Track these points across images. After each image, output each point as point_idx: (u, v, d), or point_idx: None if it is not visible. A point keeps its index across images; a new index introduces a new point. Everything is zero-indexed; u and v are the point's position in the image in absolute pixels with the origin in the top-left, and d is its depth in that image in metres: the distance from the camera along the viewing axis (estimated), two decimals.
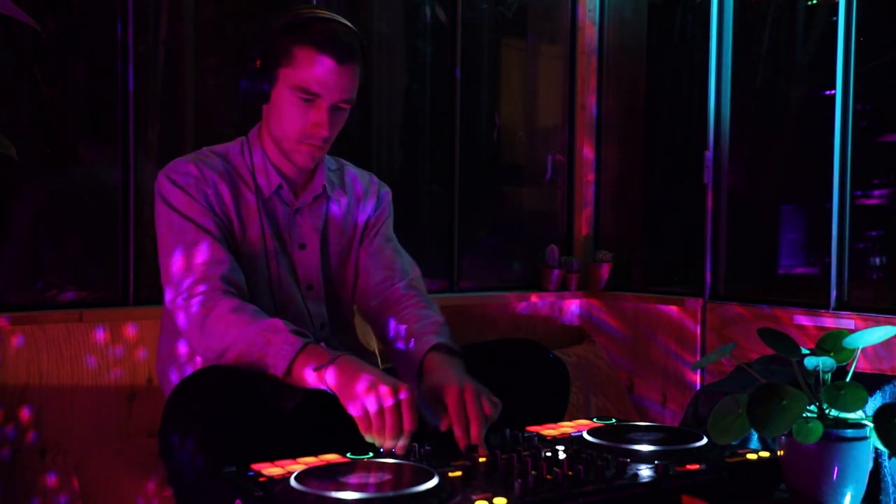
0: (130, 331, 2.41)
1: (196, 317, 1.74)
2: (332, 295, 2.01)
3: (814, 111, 3.09)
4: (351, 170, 2.10)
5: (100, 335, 2.37)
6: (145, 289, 2.54)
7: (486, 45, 3.43)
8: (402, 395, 1.58)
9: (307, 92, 1.82)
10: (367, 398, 1.58)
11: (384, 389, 1.58)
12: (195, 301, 1.75)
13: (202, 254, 1.79)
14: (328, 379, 1.63)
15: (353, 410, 1.58)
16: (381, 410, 1.57)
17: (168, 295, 1.80)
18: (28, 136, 2.48)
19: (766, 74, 3.25)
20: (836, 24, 2.77)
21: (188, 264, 1.78)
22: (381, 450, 1.59)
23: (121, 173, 2.52)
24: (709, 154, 3.11)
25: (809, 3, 3.12)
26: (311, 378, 1.65)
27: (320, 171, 1.99)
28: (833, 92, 2.78)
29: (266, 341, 1.67)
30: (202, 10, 2.75)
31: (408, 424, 1.58)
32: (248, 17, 2.87)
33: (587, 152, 3.52)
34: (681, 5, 3.46)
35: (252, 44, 1.87)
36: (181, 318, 1.77)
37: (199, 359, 1.90)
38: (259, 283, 1.89)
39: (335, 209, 2.02)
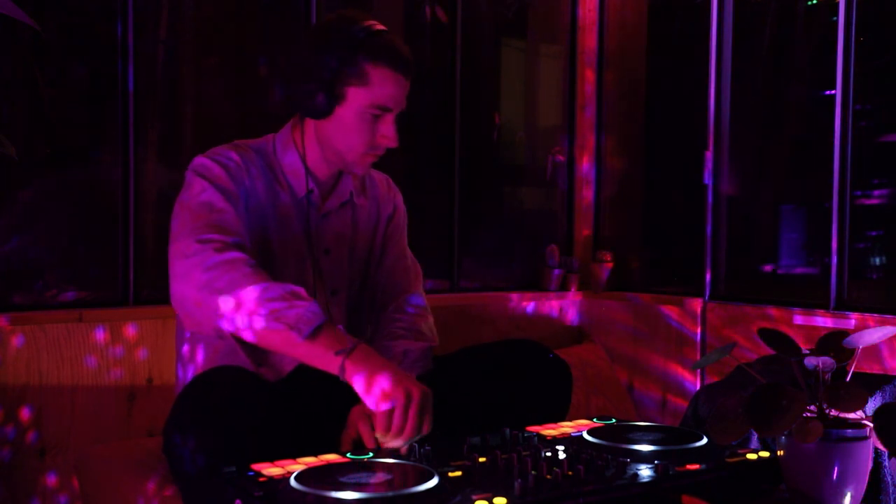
0: (130, 331, 2.41)
1: (210, 261, 1.66)
2: (354, 300, 2.01)
3: (814, 111, 3.09)
4: (377, 177, 2.11)
5: (100, 335, 2.37)
6: (145, 289, 2.54)
7: (486, 45, 3.43)
8: (427, 396, 1.57)
9: (383, 108, 1.83)
10: (395, 395, 1.56)
11: (411, 388, 1.56)
12: (210, 246, 1.67)
13: (224, 221, 1.74)
14: (349, 367, 1.59)
15: (377, 405, 1.56)
16: (405, 410, 1.56)
17: (178, 244, 1.71)
18: (28, 136, 2.47)
19: (766, 74, 3.25)
20: (836, 24, 2.77)
21: (209, 221, 1.72)
22: (383, 448, 1.58)
23: (121, 173, 2.52)
24: (709, 154, 3.11)
25: (809, 3, 3.12)
26: (329, 357, 1.60)
27: (346, 177, 1.99)
28: (833, 92, 2.78)
29: (289, 304, 1.62)
30: (202, 10, 2.75)
31: (427, 427, 1.57)
32: (248, 17, 2.87)
33: (587, 152, 3.52)
34: (681, 5, 3.46)
35: (297, 57, 1.83)
36: (190, 262, 1.67)
37: (199, 357, 1.90)
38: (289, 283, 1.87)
39: (360, 215, 2.03)
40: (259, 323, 1.62)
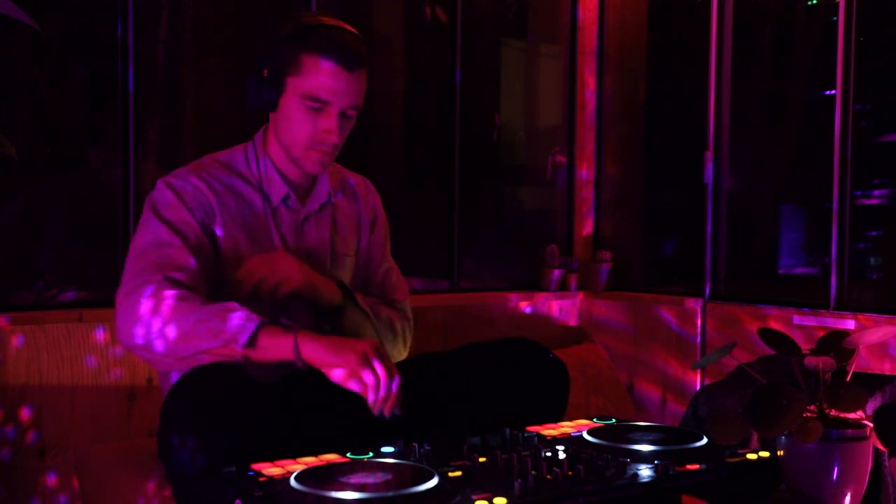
0: None
1: (136, 304, 1.69)
2: None
3: (814, 111, 3.09)
4: (348, 174, 2.10)
5: (100, 335, 2.37)
6: None
7: (486, 45, 3.43)
8: (378, 346, 1.64)
9: (316, 100, 1.81)
10: (357, 348, 1.61)
11: (367, 344, 1.63)
12: (142, 290, 1.70)
13: (166, 256, 1.76)
14: (303, 339, 1.63)
15: (350, 363, 1.60)
16: (369, 354, 1.61)
17: (120, 287, 1.76)
18: (28, 136, 2.48)
19: (766, 74, 3.25)
20: (836, 24, 2.77)
21: (147, 262, 1.75)
22: (375, 405, 1.61)
23: (121, 173, 2.52)
24: (709, 154, 3.11)
25: (809, 3, 3.12)
26: (280, 345, 1.64)
27: (323, 178, 1.98)
28: (833, 92, 2.78)
29: (221, 318, 1.65)
30: (202, 10, 2.75)
31: (393, 370, 1.62)
32: (248, 17, 2.87)
33: (587, 152, 3.52)
34: (681, 5, 3.46)
35: (258, 52, 1.86)
36: (120, 308, 1.72)
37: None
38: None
39: (340, 217, 2.02)
40: (198, 346, 1.66)
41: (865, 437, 1.48)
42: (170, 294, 1.69)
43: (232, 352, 1.65)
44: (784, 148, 3.24)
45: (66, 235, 2.53)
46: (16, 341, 2.26)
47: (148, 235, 1.79)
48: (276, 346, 1.65)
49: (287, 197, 1.92)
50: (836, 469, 1.46)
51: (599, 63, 3.52)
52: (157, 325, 1.68)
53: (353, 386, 1.60)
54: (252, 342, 1.64)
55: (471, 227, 3.29)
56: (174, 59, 2.72)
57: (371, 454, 1.56)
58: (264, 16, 2.89)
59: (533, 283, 3.40)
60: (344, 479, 1.39)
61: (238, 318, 1.65)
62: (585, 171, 3.51)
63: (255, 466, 1.47)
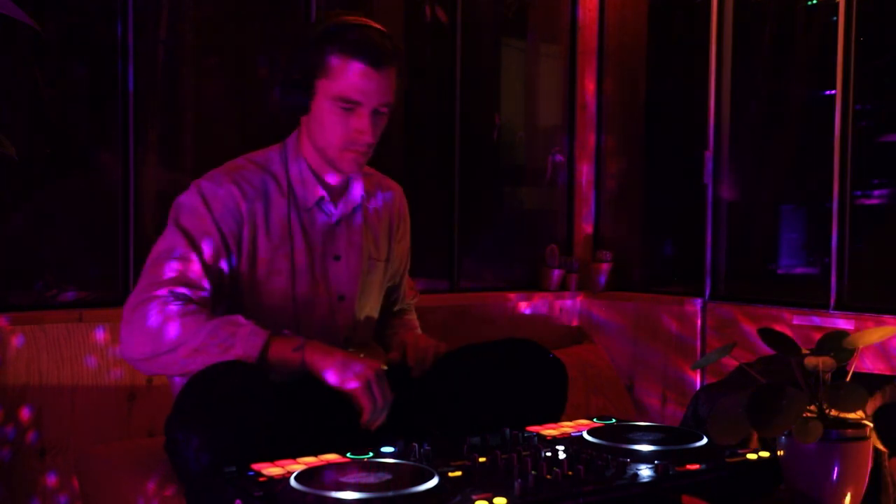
0: None
1: (143, 319, 1.71)
2: (362, 305, 2.02)
3: (814, 111, 3.09)
4: (383, 179, 2.11)
5: (100, 335, 2.37)
6: None
7: (486, 45, 3.43)
8: (378, 371, 1.69)
9: (348, 101, 1.81)
10: (359, 372, 1.67)
11: (370, 370, 1.68)
12: (149, 306, 1.71)
13: (177, 270, 1.77)
14: (310, 357, 1.69)
15: (352, 384, 1.66)
16: (371, 382, 1.67)
17: (131, 297, 1.76)
18: (28, 136, 2.47)
19: (766, 74, 3.25)
20: (836, 24, 2.77)
21: (157, 275, 1.76)
22: (368, 423, 1.67)
23: (121, 173, 2.52)
24: (709, 154, 3.11)
25: (809, 3, 3.12)
26: (287, 362, 1.69)
27: (357, 181, 1.98)
28: (833, 92, 2.78)
29: (230, 333, 1.68)
30: (202, 10, 2.75)
31: (389, 395, 1.70)
32: (248, 17, 2.87)
33: (587, 152, 3.52)
34: (681, 5, 3.46)
35: (285, 56, 1.85)
36: (126, 322, 1.73)
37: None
38: (282, 300, 1.88)
39: (373, 221, 2.03)
40: (207, 361, 1.67)
41: (865, 437, 1.48)
42: (174, 309, 1.71)
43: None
44: (784, 148, 3.24)
45: (65, 235, 2.53)
46: (16, 341, 2.26)
47: (165, 244, 1.81)
48: (284, 364, 1.70)
49: (322, 199, 1.92)
50: (836, 469, 1.46)
51: (599, 63, 3.52)
52: (163, 340, 1.70)
53: (354, 398, 1.68)
54: (262, 358, 1.68)
55: (471, 227, 3.29)
56: (174, 59, 2.72)
57: (371, 454, 1.56)
58: (264, 16, 2.89)
59: (533, 283, 3.40)
60: (344, 479, 1.39)
61: (246, 333, 1.69)
62: (585, 171, 3.51)
63: (255, 466, 1.47)
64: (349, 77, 1.80)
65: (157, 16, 2.64)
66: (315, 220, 1.92)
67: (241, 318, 1.71)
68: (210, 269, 1.79)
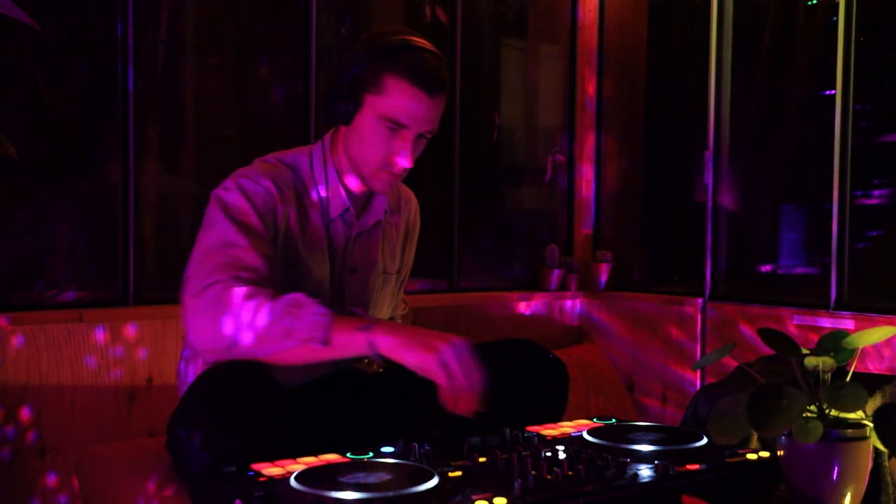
0: (130, 331, 2.41)
1: (206, 305, 1.64)
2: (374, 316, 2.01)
3: (814, 111, 3.09)
4: (402, 188, 2.10)
5: (100, 335, 2.37)
6: (145, 289, 2.54)
7: (486, 45, 3.43)
8: (463, 343, 1.57)
9: (395, 122, 1.78)
10: (441, 347, 1.55)
11: (452, 338, 1.56)
12: (210, 291, 1.65)
13: (234, 256, 1.72)
14: (379, 338, 1.59)
15: (428, 362, 1.55)
16: (458, 359, 1.55)
17: (185, 288, 1.70)
18: (28, 136, 2.47)
19: (766, 74, 3.25)
20: (836, 24, 2.77)
21: (214, 263, 1.70)
22: (452, 405, 1.56)
23: (121, 173, 2.52)
24: (709, 154, 3.11)
25: (809, 3, 3.12)
26: (354, 342, 1.60)
27: (382, 195, 1.96)
28: (833, 92, 2.78)
29: (293, 316, 1.61)
30: (202, 10, 2.75)
31: (473, 373, 1.56)
32: (248, 17, 2.87)
33: (587, 152, 3.52)
34: (681, 5, 3.46)
35: (342, 63, 1.82)
36: (190, 309, 1.67)
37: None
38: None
39: (391, 234, 2.02)
40: (275, 346, 1.61)
41: (865, 437, 1.48)
42: (239, 292, 1.63)
43: (311, 351, 1.62)
44: (784, 148, 3.24)
45: (66, 235, 2.53)
46: (16, 341, 2.26)
47: (215, 235, 1.74)
48: (351, 343, 1.61)
49: (346, 210, 1.90)
50: (836, 469, 1.46)
51: (599, 63, 3.52)
52: (233, 324, 1.63)
53: (432, 377, 1.57)
54: (326, 340, 1.60)
55: (471, 226, 3.29)
56: (174, 59, 2.72)
57: (371, 454, 1.56)
58: (264, 16, 2.89)
59: (533, 283, 3.40)
60: (344, 479, 1.39)
61: (309, 314, 1.61)
62: (585, 172, 3.51)
63: (255, 466, 1.47)
64: (401, 99, 1.76)
65: (157, 16, 2.64)
66: (337, 231, 1.90)
67: (301, 297, 1.64)
68: (266, 257, 1.74)
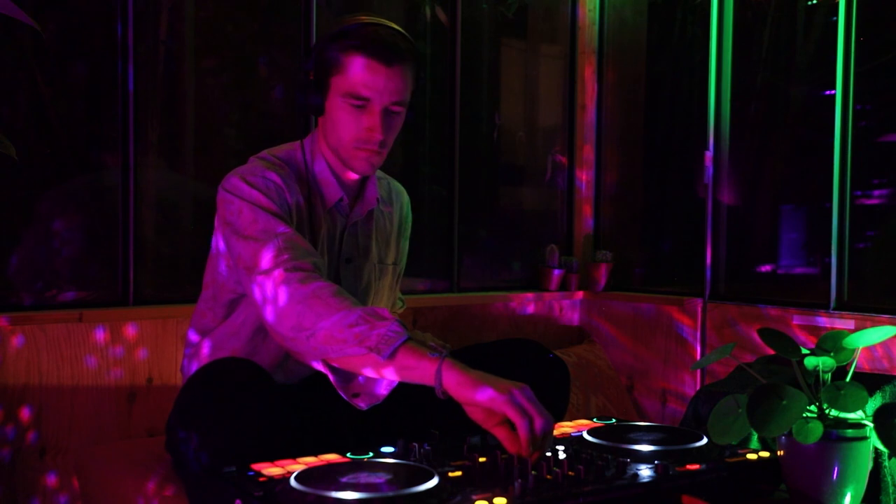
0: (130, 331, 2.41)
1: (291, 292, 1.65)
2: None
3: (814, 111, 3.09)
4: (392, 182, 2.11)
5: (100, 335, 2.37)
6: (145, 289, 2.54)
7: (486, 45, 3.43)
8: (527, 391, 1.51)
9: (357, 97, 1.80)
10: (512, 388, 1.50)
11: (512, 389, 1.50)
12: (294, 276, 1.66)
13: (296, 243, 1.73)
14: (447, 373, 1.54)
15: (500, 401, 1.48)
16: (530, 400, 1.49)
17: (255, 277, 1.70)
18: (28, 136, 2.47)
19: (766, 74, 3.25)
20: (836, 24, 2.77)
21: (280, 248, 1.70)
22: (525, 457, 1.49)
23: (121, 173, 2.52)
24: (709, 154, 3.11)
25: (809, 3, 3.12)
26: (420, 368, 1.56)
27: (372, 184, 1.98)
28: (833, 92, 2.78)
29: (370, 325, 1.60)
30: (202, 10, 2.75)
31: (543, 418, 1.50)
32: (248, 17, 2.87)
33: (587, 152, 3.52)
34: (681, 5, 3.46)
35: (305, 58, 1.86)
36: (270, 293, 1.67)
37: (204, 352, 1.90)
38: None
39: (385, 225, 2.03)
40: (342, 350, 1.61)
41: (865, 437, 1.48)
42: (329, 288, 1.64)
43: (373, 361, 1.60)
44: (784, 148, 3.24)
45: (65, 235, 2.53)
46: (16, 341, 2.26)
47: (260, 223, 1.75)
48: (417, 368, 1.57)
49: (340, 201, 1.91)
50: (836, 469, 1.47)
51: (599, 63, 3.52)
52: (313, 318, 1.63)
53: (496, 431, 1.52)
54: (393, 355, 1.58)
55: (471, 226, 3.29)
56: (174, 59, 2.72)
57: (371, 454, 1.56)
58: (264, 16, 2.89)
59: (533, 283, 3.40)
60: (344, 479, 1.39)
61: (386, 328, 1.59)
62: (585, 171, 3.51)
63: (255, 466, 1.47)
64: (359, 72, 1.79)
65: (157, 16, 2.64)
66: (333, 221, 1.92)
67: (385, 311, 1.64)
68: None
